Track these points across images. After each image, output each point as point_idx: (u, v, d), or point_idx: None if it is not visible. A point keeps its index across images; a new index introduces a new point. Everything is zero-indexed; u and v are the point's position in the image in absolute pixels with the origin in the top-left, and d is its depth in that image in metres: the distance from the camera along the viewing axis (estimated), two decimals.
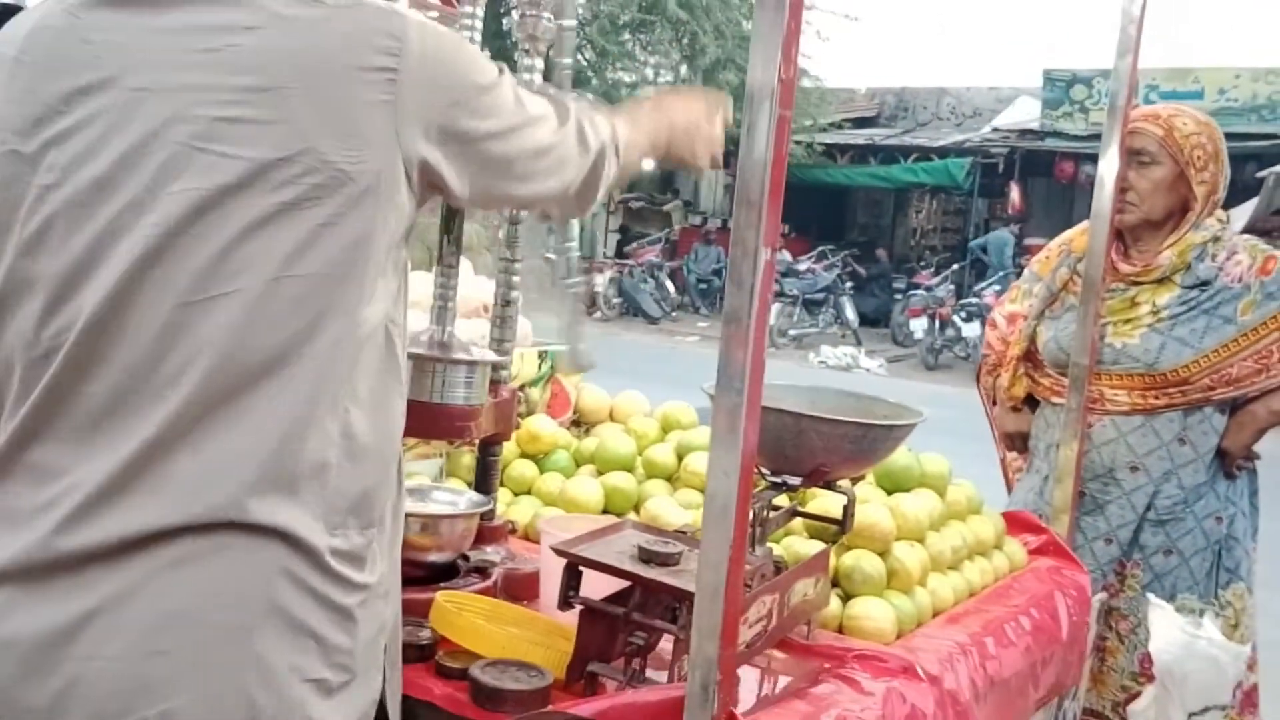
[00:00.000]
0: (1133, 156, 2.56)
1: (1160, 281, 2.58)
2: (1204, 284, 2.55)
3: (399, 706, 1.39)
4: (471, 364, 1.76)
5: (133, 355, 1.13)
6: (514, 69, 1.84)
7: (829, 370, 13.71)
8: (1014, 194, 17.65)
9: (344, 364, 1.18)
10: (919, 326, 14.78)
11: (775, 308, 14.47)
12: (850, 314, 15.93)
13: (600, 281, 16.87)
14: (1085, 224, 2.64)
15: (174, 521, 1.10)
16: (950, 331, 14.48)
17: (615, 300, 17.02)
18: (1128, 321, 2.58)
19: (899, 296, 16.35)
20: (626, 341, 14.16)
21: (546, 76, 1.88)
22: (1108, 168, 2.44)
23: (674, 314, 17.27)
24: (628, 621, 1.48)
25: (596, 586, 1.52)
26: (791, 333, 15.46)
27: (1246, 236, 2.67)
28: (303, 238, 1.14)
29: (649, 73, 16.66)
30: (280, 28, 1.16)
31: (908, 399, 1.88)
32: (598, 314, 16.46)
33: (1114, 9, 2.42)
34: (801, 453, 1.66)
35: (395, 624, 1.35)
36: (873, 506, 1.97)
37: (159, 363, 1.13)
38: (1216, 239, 2.58)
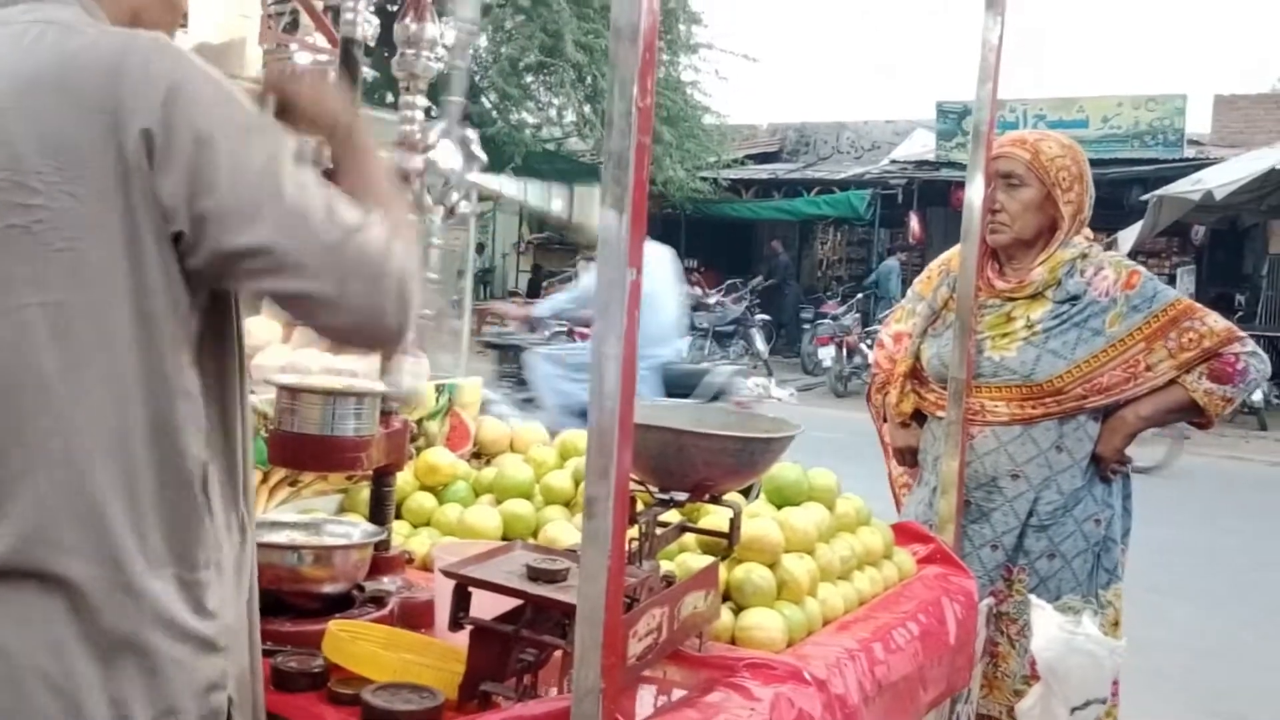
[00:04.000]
0: (1003, 179, 2.69)
1: (1033, 297, 2.70)
2: (1074, 298, 2.67)
3: None
4: (360, 395, 1.78)
5: None
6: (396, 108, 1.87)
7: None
8: (914, 223, 18.10)
9: (135, 398, 1.15)
10: (827, 355, 15.04)
11: (685, 340, 14.54)
12: (761, 345, 16.11)
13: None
14: None
15: None
16: (858, 359, 14.73)
17: None
18: (1005, 336, 2.69)
19: (807, 326, 16.59)
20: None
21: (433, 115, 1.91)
22: (975, 191, 2.55)
23: None
24: (518, 639, 1.51)
25: (490, 609, 1.55)
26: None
27: (1111, 253, 2.81)
28: (40, 262, 1.12)
29: (552, 113, 16.78)
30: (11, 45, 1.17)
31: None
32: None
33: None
34: (685, 468, 1.70)
35: (242, 677, 1.30)
36: (762, 520, 2.02)
37: None
38: (1084, 256, 2.70)
